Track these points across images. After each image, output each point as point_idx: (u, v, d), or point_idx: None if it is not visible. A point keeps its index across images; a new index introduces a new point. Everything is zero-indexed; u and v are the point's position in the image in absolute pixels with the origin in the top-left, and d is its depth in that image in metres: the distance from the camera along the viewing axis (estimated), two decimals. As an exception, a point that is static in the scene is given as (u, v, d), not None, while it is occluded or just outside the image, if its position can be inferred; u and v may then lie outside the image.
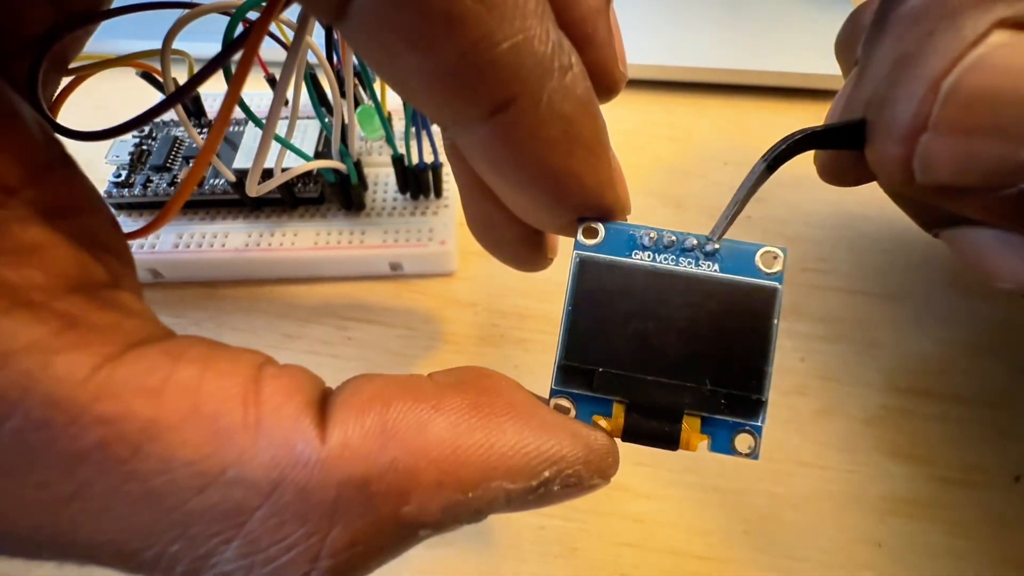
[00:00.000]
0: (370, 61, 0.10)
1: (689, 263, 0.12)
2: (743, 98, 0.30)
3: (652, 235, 0.13)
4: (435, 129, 0.27)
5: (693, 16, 0.33)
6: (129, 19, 0.27)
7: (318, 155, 0.24)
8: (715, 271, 0.12)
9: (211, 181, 0.24)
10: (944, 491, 0.19)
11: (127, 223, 0.24)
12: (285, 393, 0.09)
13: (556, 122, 0.11)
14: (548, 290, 0.24)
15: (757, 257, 0.12)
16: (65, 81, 0.15)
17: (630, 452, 0.20)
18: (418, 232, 0.24)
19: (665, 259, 0.13)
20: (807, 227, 0.25)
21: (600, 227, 0.13)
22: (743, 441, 0.12)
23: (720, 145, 0.28)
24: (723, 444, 0.12)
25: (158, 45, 0.19)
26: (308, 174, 0.24)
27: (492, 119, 0.10)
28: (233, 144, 0.24)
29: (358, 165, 0.23)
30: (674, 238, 0.13)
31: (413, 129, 0.23)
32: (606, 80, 0.12)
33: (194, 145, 0.25)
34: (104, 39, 0.29)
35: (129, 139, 0.25)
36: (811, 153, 0.16)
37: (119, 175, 0.24)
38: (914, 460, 0.20)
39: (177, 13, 0.17)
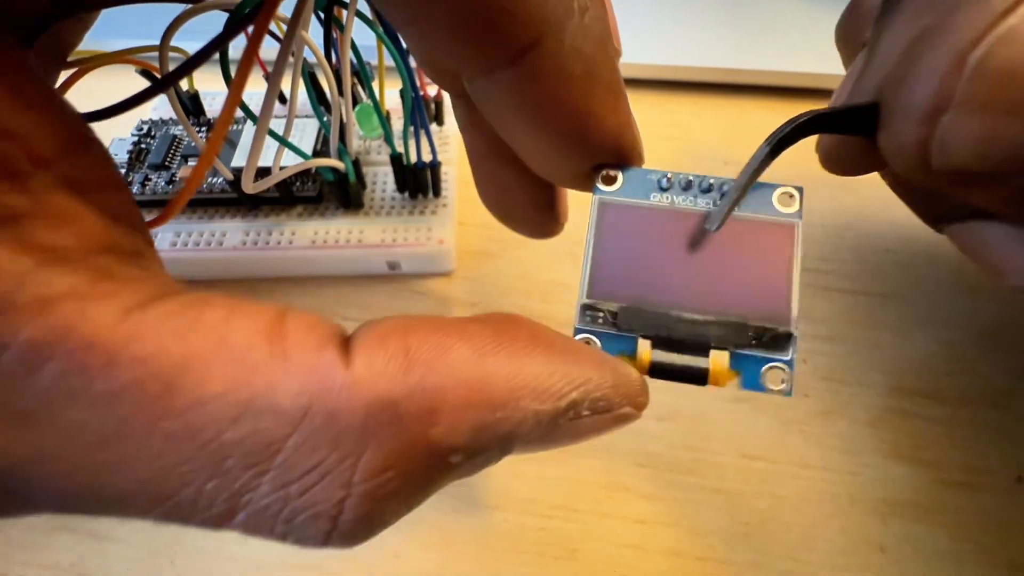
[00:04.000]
0: (398, 10, 0.11)
1: (708, 203, 0.13)
2: (743, 97, 0.30)
3: (669, 177, 0.13)
4: (434, 128, 0.27)
5: (692, 15, 0.33)
6: (129, 17, 0.27)
7: (316, 153, 0.24)
8: (735, 211, 0.12)
9: (209, 179, 0.23)
10: (946, 493, 0.19)
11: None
12: (307, 328, 0.10)
13: (578, 61, 0.11)
14: (548, 290, 0.23)
15: (774, 197, 0.12)
16: (64, 76, 0.15)
17: (630, 452, 0.20)
18: (416, 231, 0.23)
19: (684, 200, 0.13)
20: (808, 226, 0.25)
21: (618, 173, 0.13)
22: (774, 377, 0.12)
23: (719, 145, 0.28)
24: (753, 380, 0.12)
25: (157, 43, 0.19)
26: (306, 172, 0.24)
27: (518, 61, 0.11)
28: (232, 143, 0.24)
29: (356, 164, 0.23)
30: (692, 179, 0.13)
31: (412, 128, 0.22)
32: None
33: (192, 144, 0.24)
34: (104, 38, 0.29)
35: (128, 137, 0.25)
36: (813, 147, 0.16)
37: None
38: (916, 462, 0.20)
39: (176, 10, 0.17)
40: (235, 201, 0.24)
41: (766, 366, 0.12)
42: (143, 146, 0.25)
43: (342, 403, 0.09)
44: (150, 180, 0.24)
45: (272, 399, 0.09)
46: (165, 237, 0.23)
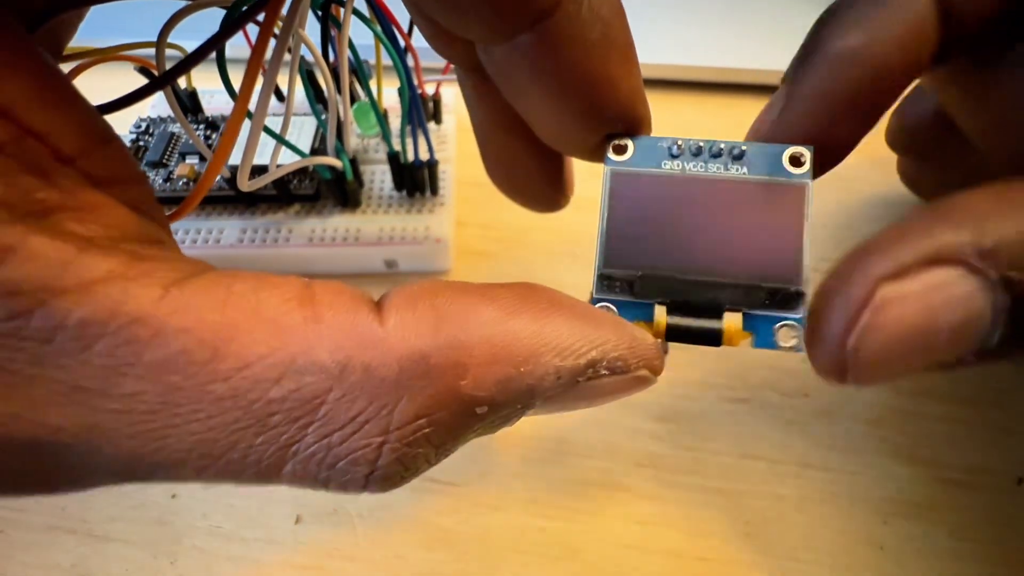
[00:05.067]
0: None
1: (719, 168, 0.13)
2: (745, 97, 0.30)
3: (680, 143, 0.13)
4: (431, 127, 0.27)
5: (695, 15, 0.33)
6: (126, 14, 0.27)
7: (314, 152, 0.24)
8: (744, 173, 0.12)
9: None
10: (947, 493, 0.19)
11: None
12: (336, 292, 0.10)
13: (596, 25, 0.12)
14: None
15: (784, 158, 0.13)
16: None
17: (631, 452, 0.20)
18: (414, 229, 0.23)
19: (695, 166, 0.13)
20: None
21: (629, 143, 0.13)
22: (786, 335, 0.12)
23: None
24: (766, 339, 0.12)
25: (154, 39, 0.19)
26: (304, 171, 0.23)
27: (538, 26, 0.11)
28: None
29: (354, 162, 0.23)
30: (702, 144, 0.13)
31: (409, 126, 0.22)
32: None
33: (190, 142, 0.24)
34: (101, 35, 0.29)
35: (126, 135, 0.25)
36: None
37: None
38: (917, 462, 0.20)
39: (173, 7, 0.17)
40: (232, 199, 0.24)
41: (778, 324, 0.12)
42: (141, 144, 0.25)
43: (378, 357, 0.10)
44: (148, 177, 0.24)
45: (312, 357, 0.09)
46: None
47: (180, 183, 0.23)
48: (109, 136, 0.11)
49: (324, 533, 0.18)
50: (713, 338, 0.12)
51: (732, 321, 0.12)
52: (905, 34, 0.13)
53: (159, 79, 0.13)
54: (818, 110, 0.14)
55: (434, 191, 0.24)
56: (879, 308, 0.11)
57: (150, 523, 0.18)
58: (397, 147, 0.23)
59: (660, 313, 0.12)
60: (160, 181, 0.23)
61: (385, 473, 0.10)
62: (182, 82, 0.25)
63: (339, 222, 0.23)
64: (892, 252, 0.11)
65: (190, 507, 0.19)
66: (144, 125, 0.25)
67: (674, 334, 0.12)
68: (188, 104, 0.25)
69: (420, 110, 0.22)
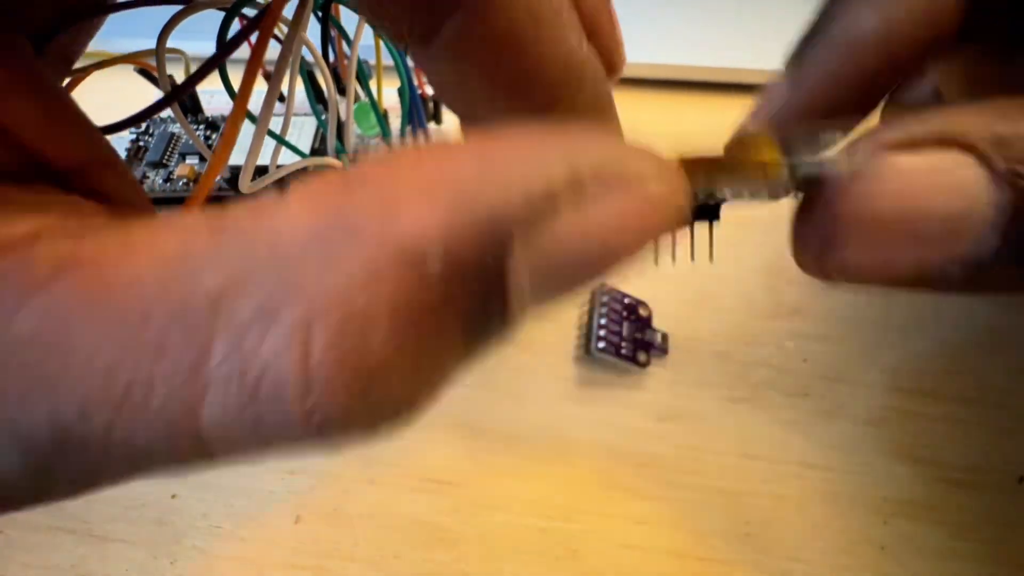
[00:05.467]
0: None
1: None
2: (747, 97, 0.30)
3: None
4: (431, 127, 0.27)
5: (695, 15, 0.33)
6: (128, 17, 0.27)
7: (314, 152, 0.24)
8: None
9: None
10: (947, 493, 0.19)
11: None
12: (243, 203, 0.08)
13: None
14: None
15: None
16: (65, 82, 0.15)
17: (632, 453, 0.20)
18: None
19: None
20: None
21: None
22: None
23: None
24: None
25: (153, 42, 0.19)
26: (303, 171, 0.23)
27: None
28: (229, 141, 0.24)
29: (354, 163, 0.23)
30: None
31: (410, 127, 0.22)
32: (610, 64, 0.12)
33: (190, 142, 0.24)
34: (103, 37, 0.29)
35: (126, 135, 0.25)
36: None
37: None
38: (917, 461, 0.20)
39: (173, 9, 0.17)
40: (232, 200, 0.24)
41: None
42: (141, 144, 0.25)
43: (278, 229, 0.07)
44: (148, 177, 0.24)
45: (206, 251, 0.07)
46: None
47: (180, 183, 0.23)
48: (111, 159, 0.11)
49: (324, 533, 0.18)
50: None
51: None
52: (924, 15, 0.12)
53: (172, 93, 0.13)
54: (826, 93, 0.13)
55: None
56: (877, 175, 0.10)
57: (150, 523, 0.18)
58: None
59: None
60: (160, 181, 0.23)
61: (329, 387, 0.07)
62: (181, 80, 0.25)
63: None
64: (906, 127, 0.10)
65: (190, 507, 0.19)
66: (144, 125, 0.25)
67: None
68: (188, 105, 0.25)
69: (420, 110, 0.22)
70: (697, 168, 0.10)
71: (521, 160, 0.08)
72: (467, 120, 0.14)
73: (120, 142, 0.25)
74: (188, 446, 0.07)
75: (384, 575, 0.18)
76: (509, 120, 0.12)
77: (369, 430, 0.07)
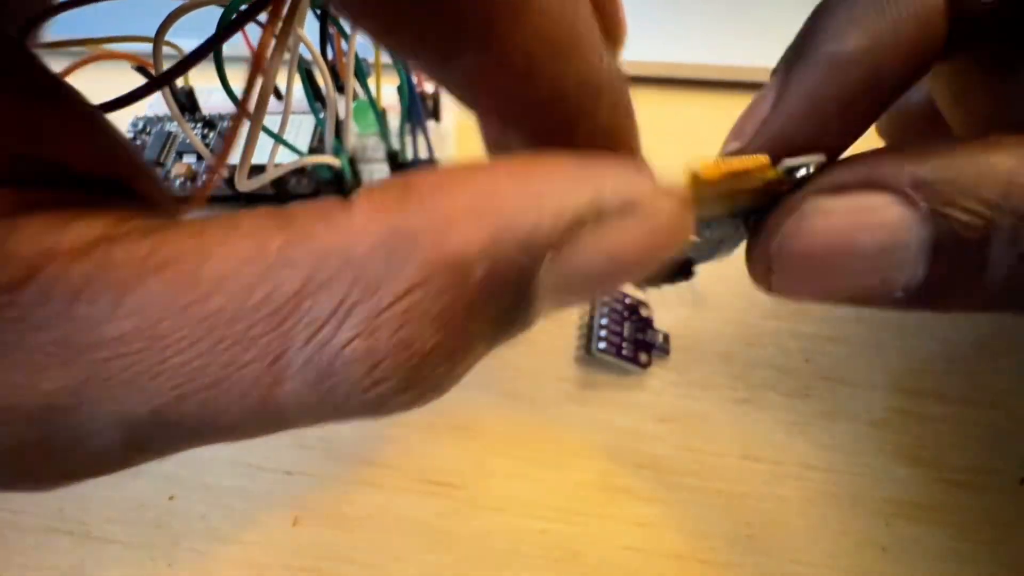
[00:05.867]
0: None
1: None
2: (748, 95, 0.30)
3: None
4: (431, 125, 0.26)
5: (695, 13, 0.33)
6: (123, 13, 0.27)
7: (312, 151, 0.24)
8: None
9: (203, 176, 0.23)
10: (949, 494, 0.19)
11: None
12: (307, 204, 0.10)
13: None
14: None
15: None
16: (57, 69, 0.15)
17: (632, 454, 0.20)
18: None
19: None
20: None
21: None
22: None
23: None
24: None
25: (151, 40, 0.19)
26: (302, 170, 0.23)
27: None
28: (223, 137, 0.24)
29: (352, 161, 0.23)
30: None
31: (408, 125, 0.22)
32: (613, 35, 0.13)
33: (187, 140, 0.24)
34: (98, 34, 0.29)
35: (123, 133, 0.25)
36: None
37: None
38: (919, 462, 0.20)
39: (169, 5, 0.17)
40: (230, 198, 0.23)
41: None
42: (138, 142, 0.25)
43: (349, 237, 0.09)
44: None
45: (285, 253, 0.09)
46: None
47: (177, 183, 0.23)
48: (141, 161, 0.11)
49: (322, 535, 0.18)
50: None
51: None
52: (910, 35, 0.12)
53: (158, 79, 0.13)
54: (809, 115, 0.13)
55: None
56: (803, 216, 0.12)
57: (148, 525, 0.18)
58: (396, 146, 0.22)
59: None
60: None
61: (391, 366, 0.09)
62: (179, 80, 0.25)
63: None
64: (835, 172, 0.12)
65: (188, 509, 0.18)
66: (141, 124, 0.25)
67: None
68: (185, 103, 0.25)
69: (419, 108, 0.22)
70: (705, 187, 0.11)
71: (554, 190, 0.09)
72: (489, 135, 0.15)
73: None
74: (269, 417, 0.09)
75: (383, 577, 0.18)
76: (529, 136, 0.12)
77: (416, 401, 0.09)
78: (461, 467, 0.19)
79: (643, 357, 0.21)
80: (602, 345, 0.20)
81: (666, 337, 0.22)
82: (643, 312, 0.22)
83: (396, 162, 0.23)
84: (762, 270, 0.13)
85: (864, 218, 0.11)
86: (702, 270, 0.23)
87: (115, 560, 0.18)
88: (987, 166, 0.11)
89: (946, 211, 0.11)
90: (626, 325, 0.21)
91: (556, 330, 0.22)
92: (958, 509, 0.19)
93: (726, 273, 0.24)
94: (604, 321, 0.21)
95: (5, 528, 0.18)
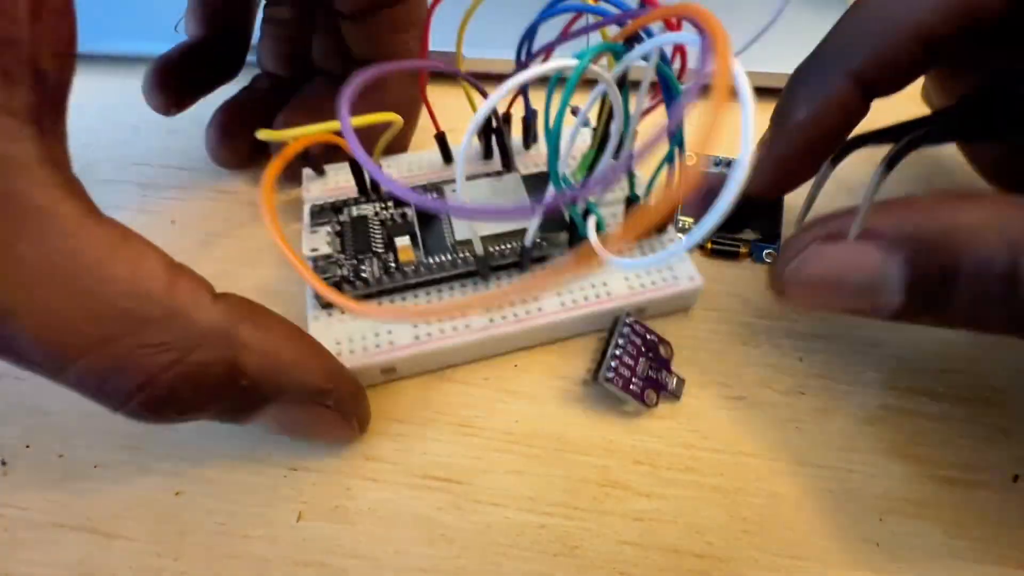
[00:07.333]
0: None
1: None
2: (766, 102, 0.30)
3: None
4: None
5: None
6: (127, 18, 0.27)
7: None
8: None
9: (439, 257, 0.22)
10: (943, 491, 0.19)
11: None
12: (192, 273, 0.15)
13: None
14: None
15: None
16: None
17: (629, 450, 0.20)
18: (660, 273, 0.22)
19: None
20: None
21: None
22: (768, 255, 0.23)
23: (726, 147, 0.28)
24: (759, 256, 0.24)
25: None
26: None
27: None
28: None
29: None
30: None
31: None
32: None
33: (389, 221, 0.22)
34: (104, 39, 0.30)
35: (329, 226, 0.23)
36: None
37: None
38: (913, 459, 0.20)
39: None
40: (470, 274, 0.22)
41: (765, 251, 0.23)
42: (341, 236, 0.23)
43: (200, 315, 0.15)
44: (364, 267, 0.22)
45: (166, 303, 0.14)
46: (405, 331, 0.21)
47: (408, 269, 0.21)
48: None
49: (325, 530, 0.18)
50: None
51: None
52: (836, 109, 0.18)
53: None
54: (782, 164, 0.20)
55: (662, 228, 0.23)
56: (805, 257, 0.16)
57: (153, 520, 0.19)
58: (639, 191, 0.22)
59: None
60: (377, 271, 0.21)
61: (153, 393, 0.14)
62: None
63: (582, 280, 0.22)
64: (836, 222, 0.16)
65: (193, 504, 0.19)
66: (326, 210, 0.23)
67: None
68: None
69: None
70: None
71: (308, 367, 0.17)
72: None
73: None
74: (56, 365, 0.14)
75: (385, 571, 0.18)
76: None
77: None
78: (461, 463, 0.20)
79: (651, 396, 0.20)
80: (610, 375, 0.20)
81: (680, 382, 0.21)
82: (663, 351, 0.21)
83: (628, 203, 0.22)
84: (777, 289, 0.17)
85: (854, 259, 0.16)
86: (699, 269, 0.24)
87: (121, 555, 0.18)
88: (951, 225, 0.14)
89: (916, 260, 0.15)
90: (641, 360, 0.21)
91: (569, 350, 0.22)
92: (951, 506, 0.19)
93: (722, 272, 0.24)
94: (618, 352, 0.20)
95: (13, 524, 0.18)
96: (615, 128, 0.18)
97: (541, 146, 0.26)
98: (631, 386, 0.20)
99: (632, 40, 0.17)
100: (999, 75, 0.19)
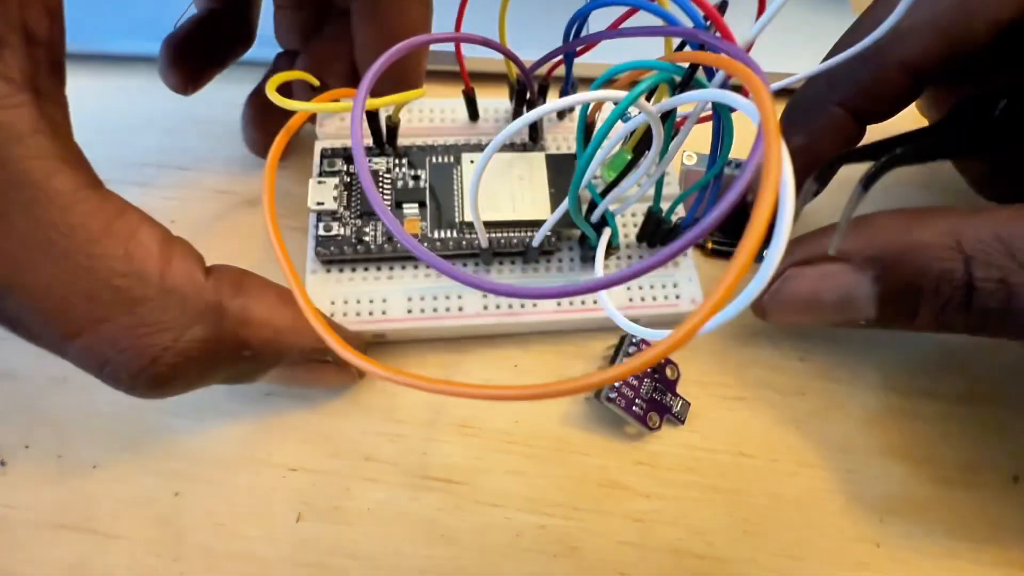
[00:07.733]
0: None
1: None
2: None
3: None
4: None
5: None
6: (126, 17, 0.27)
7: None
8: None
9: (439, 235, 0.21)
10: (943, 491, 0.19)
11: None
12: (187, 247, 0.15)
13: None
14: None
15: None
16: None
17: (629, 451, 0.20)
18: (663, 287, 0.21)
19: None
20: (804, 227, 0.25)
21: None
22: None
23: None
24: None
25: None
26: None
27: None
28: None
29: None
30: None
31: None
32: None
33: (400, 185, 0.21)
34: (104, 39, 0.30)
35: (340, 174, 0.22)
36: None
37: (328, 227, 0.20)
38: (913, 460, 0.20)
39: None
40: (472, 255, 0.21)
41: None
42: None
43: (195, 293, 0.15)
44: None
45: (160, 281, 0.14)
46: (399, 303, 0.20)
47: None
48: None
49: (325, 531, 0.18)
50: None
51: None
52: (832, 134, 0.20)
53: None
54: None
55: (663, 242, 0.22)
56: (784, 279, 0.18)
57: (153, 520, 0.19)
58: (663, 204, 0.20)
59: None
60: (380, 237, 0.21)
61: (156, 372, 0.14)
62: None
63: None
64: (810, 245, 0.18)
65: (193, 505, 0.19)
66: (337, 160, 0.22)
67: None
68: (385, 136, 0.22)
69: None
70: None
71: (305, 335, 0.17)
72: None
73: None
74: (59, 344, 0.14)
75: (385, 572, 0.18)
76: None
77: None
78: (461, 464, 0.20)
79: (653, 419, 0.20)
80: (612, 394, 0.19)
81: (685, 406, 0.20)
82: (669, 373, 0.21)
83: (656, 220, 0.20)
84: (759, 313, 0.19)
85: (829, 279, 0.17)
86: (698, 269, 0.24)
87: (120, 555, 0.18)
88: (912, 243, 0.16)
89: (885, 278, 0.16)
90: (645, 382, 0.20)
91: (569, 351, 0.22)
92: (951, 506, 0.19)
93: (722, 273, 0.24)
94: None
95: (12, 523, 0.18)
96: (649, 157, 0.17)
97: (572, 120, 0.25)
98: (634, 407, 0.19)
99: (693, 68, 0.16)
100: (971, 98, 0.19)
